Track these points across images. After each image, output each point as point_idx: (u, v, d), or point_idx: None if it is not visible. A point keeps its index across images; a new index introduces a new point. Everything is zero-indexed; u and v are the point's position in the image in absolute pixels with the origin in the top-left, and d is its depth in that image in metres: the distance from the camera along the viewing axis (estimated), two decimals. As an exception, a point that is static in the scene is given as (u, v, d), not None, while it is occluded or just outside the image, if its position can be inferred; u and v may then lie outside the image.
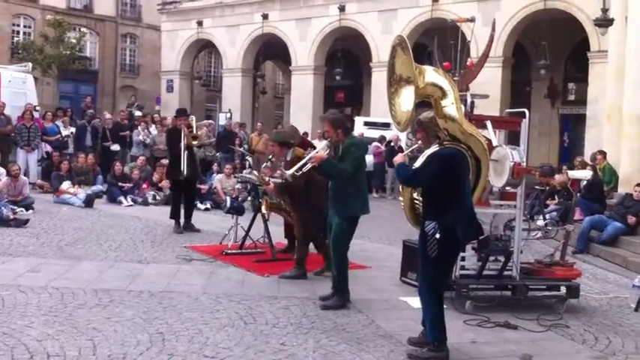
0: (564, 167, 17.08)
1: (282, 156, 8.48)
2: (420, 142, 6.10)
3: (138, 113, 22.26)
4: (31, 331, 5.68)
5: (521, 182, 7.29)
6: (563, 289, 7.59)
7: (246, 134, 22.05)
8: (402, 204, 6.26)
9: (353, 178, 7.11)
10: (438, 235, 5.44)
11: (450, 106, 5.83)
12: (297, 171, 7.38)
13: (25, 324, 5.86)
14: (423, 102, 5.92)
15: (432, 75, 5.91)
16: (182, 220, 11.56)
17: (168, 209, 14.44)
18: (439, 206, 5.52)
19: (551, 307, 7.48)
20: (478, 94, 8.21)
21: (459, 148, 5.76)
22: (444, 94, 5.84)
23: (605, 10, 16.74)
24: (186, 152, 11.22)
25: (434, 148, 5.76)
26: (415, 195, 6.14)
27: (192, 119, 11.88)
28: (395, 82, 6.06)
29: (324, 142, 7.57)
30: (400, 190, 6.32)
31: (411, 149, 6.30)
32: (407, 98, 5.90)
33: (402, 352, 5.71)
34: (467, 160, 5.84)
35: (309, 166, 7.35)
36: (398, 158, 5.88)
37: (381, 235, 12.24)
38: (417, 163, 5.89)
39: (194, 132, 11.51)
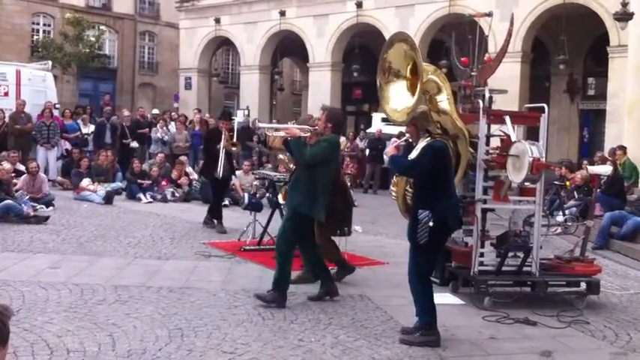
0: (585, 162, 16.94)
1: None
2: (408, 135, 6.22)
3: (155, 111, 22.38)
4: (51, 327, 5.73)
5: (540, 178, 7.23)
6: (583, 285, 7.53)
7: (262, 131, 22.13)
8: (395, 195, 6.44)
9: (312, 172, 6.86)
10: (431, 224, 5.71)
11: (445, 101, 6.32)
12: (271, 129, 7.53)
13: (45, 320, 5.91)
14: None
15: (430, 72, 6.38)
16: (204, 216, 11.60)
17: (187, 206, 14.58)
18: (431, 196, 5.81)
19: (571, 304, 7.43)
20: (496, 90, 8.15)
21: (445, 142, 6.10)
22: (439, 90, 6.31)
23: (624, 4, 16.59)
24: (224, 152, 11.17)
25: (426, 141, 5.98)
26: (407, 187, 6.51)
27: (235, 122, 11.94)
28: (385, 71, 6.25)
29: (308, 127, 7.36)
30: (394, 181, 6.49)
31: (399, 142, 6.35)
32: (397, 95, 6.11)
33: (420, 348, 5.70)
34: (450, 152, 6.19)
35: (281, 133, 7.38)
36: (390, 150, 6.15)
37: (399, 232, 12.16)
38: (412, 155, 6.03)
39: (234, 138, 11.33)
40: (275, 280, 6.84)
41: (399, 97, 6.12)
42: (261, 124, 7.84)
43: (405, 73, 6.09)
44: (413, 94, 6.21)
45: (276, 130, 7.62)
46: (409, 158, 6.03)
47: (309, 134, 7.10)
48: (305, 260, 7.56)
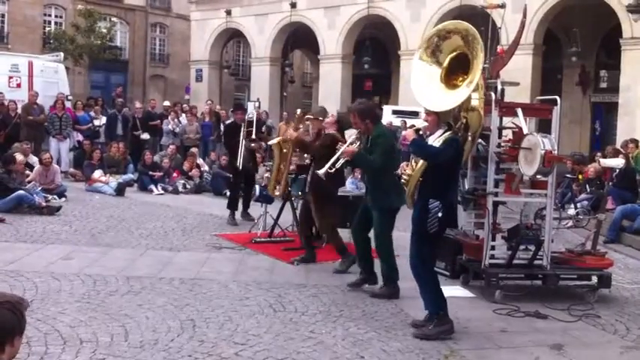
0: (598, 155, 16.85)
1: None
2: (426, 124, 6.21)
3: (166, 103, 22.43)
4: (64, 317, 5.78)
5: (552, 171, 7.21)
6: (594, 279, 7.51)
7: (272, 123, 22.21)
8: (407, 179, 6.29)
9: (385, 168, 7.03)
10: (440, 214, 5.79)
11: (476, 99, 6.45)
12: (330, 168, 7.26)
13: (58, 310, 5.96)
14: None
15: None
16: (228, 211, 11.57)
17: (198, 197, 14.62)
18: (444, 188, 5.90)
19: (582, 297, 7.41)
20: (508, 82, 8.13)
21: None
22: (476, 89, 6.35)
23: (638, -4, 16.47)
24: (244, 143, 11.14)
25: (448, 133, 5.97)
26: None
27: (253, 115, 11.98)
28: (433, 52, 6.22)
29: (354, 135, 7.27)
30: (412, 164, 6.33)
31: (416, 128, 6.35)
32: (422, 75, 6.12)
33: (430, 341, 5.71)
34: None
35: (342, 161, 7.27)
36: (410, 133, 6.16)
37: (408, 224, 12.15)
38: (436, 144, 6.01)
39: (253, 134, 11.24)
40: (385, 275, 7.15)
41: (421, 77, 6.14)
42: (321, 171, 7.39)
43: (444, 61, 6.10)
44: (447, 85, 6.19)
45: (337, 161, 7.26)
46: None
47: (358, 143, 7.12)
48: (358, 251, 7.62)
